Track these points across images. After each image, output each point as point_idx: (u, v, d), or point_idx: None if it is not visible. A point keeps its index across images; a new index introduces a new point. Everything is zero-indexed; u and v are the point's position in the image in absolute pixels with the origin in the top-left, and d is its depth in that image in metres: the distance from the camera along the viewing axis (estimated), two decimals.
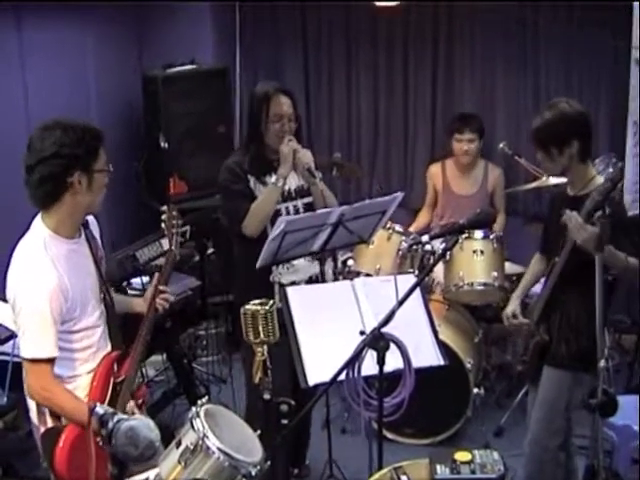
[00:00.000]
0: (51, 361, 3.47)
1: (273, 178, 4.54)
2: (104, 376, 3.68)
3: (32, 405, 3.66)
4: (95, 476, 3.04)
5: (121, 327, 3.89)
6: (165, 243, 5.35)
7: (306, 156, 4.56)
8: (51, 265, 3.44)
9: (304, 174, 4.61)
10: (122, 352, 3.78)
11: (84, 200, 3.51)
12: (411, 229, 6.33)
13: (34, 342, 3.44)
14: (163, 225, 4.10)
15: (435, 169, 6.86)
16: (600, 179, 4.11)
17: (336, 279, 5.73)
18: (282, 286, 4.43)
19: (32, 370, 3.49)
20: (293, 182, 4.68)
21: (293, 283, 4.51)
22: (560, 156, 4.06)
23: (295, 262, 4.55)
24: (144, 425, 2.88)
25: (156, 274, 4.06)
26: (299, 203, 4.66)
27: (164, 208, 4.10)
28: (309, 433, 5.13)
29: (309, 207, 4.65)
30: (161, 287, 3.96)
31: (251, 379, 3.55)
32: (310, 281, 4.64)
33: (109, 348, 3.77)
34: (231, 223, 4.64)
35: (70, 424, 3.52)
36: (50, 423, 3.59)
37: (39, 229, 3.53)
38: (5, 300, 4.46)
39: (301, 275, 4.62)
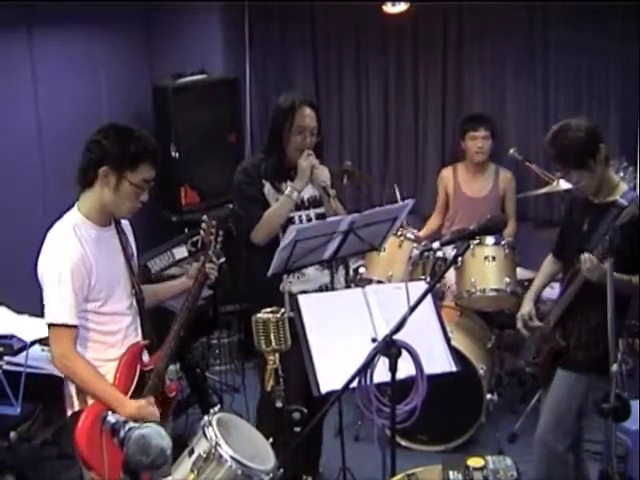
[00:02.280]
0: (71, 329, 3.60)
1: (289, 187, 4.55)
2: (129, 363, 3.78)
3: (65, 390, 3.77)
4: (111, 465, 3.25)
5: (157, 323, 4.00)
6: (177, 253, 5.41)
7: (323, 174, 4.55)
8: (77, 242, 3.62)
9: (319, 191, 4.62)
10: (152, 343, 3.90)
11: (110, 197, 3.67)
12: (421, 233, 6.34)
13: (55, 308, 3.59)
14: (202, 232, 4.22)
15: (446, 173, 6.87)
16: (624, 186, 4.13)
17: (348, 287, 5.75)
18: (292, 295, 4.43)
19: (53, 336, 3.64)
20: (306, 192, 4.68)
21: (303, 292, 4.49)
22: (596, 165, 4.05)
23: (306, 271, 4.55)
24: (155, 433, 2.89)
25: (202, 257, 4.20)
26: (312, 213, 4.67)
27: (204, 218, 4.24)
28: (321, 441, 5.11)
29: (321, 217, 4.65)
30: (209, 251, 4.16)
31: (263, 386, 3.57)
32: (320, 290, 4.62)
33: (139, 338, 3.88)
34: (241, 228, 4.63)
35: (92, 405, 3.62)
36: (77, 406, 3.70)
37: (72, 214, 3.72)
38: (18, 312, 4.51)
39: (312, 284, 4.62)
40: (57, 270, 3.57)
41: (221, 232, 4.24)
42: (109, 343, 3.76)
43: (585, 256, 3.91)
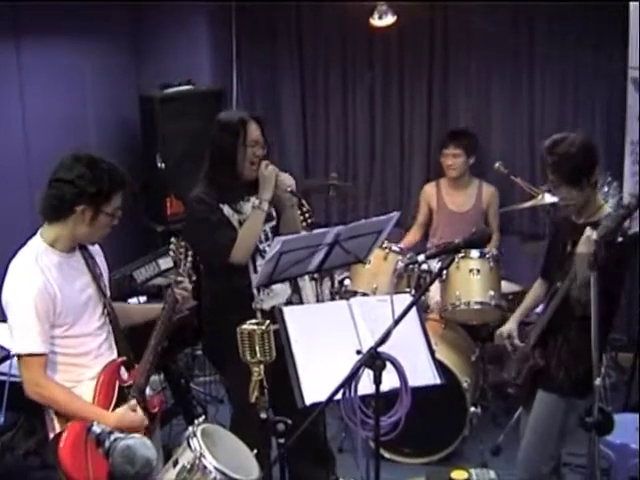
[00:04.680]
0: (40, 357, 3.63)
1: (247, 204, 4.54)
2: (107, 381, 3.79)
3: (45, 413, 3.77)
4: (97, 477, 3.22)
5: (130, 337, 4.03)
6: (163, 263, 5.41)
7: (288, 179, 4.59)
8: (39, 271, 3.63)
9: (285, 196, 4.61)
10: (130, 360, 3.92)
11: (83, 230, 3.72)
12: (401, 245, 6.36)
13: (21, 338, 3.63)
14: (171, 252, 4.25)
15: (429, 188, 6.91)
16: (607, 208, 4.12)
17: (333, 299, 5.75)
18: (264, 312, 4.44)
19: (23, 366, 3.67)
20: None
21: (273, 308, 4.49)
22: (587, 186, 4.05)
23: (273, 286, 4.53)
24: (141, 443, 2.89)
25: (172, 276, 4.24)
26: (267, 228, 4.64)
27: (173, 240, 4.27)
28: (331, 453, 5.07)
29: (275, 230, 4.66)
30: (178, 278, 4.13)
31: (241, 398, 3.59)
32: (288, 304, 4.59)
33: (114, 356, 3.89)
34: (216, 255, 4.52)
35: (71, 425, 3.61)
36: (58, 428, 3.70)
37: (35, 242, 3.74)
38: (2, 321, 4.50)
39: (280, 299, 4.61)
40: (20, 300, 3.60)
41: (190, 252, 4.26)
42: (81, 364, 3.78)
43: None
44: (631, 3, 5.55)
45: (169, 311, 4.05)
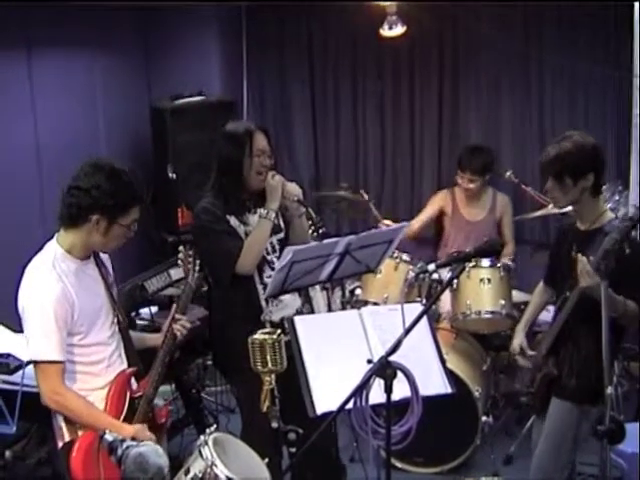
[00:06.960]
0: (58, 365, 3.62)
1: (254, 216, 4.53)
2: (119, 390, 3.80)
3: (54, 422, 3.78)
4: None
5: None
6: (174, 273, 5.41)
7: (294, 188, 4.59)
8: (57, 277, 3.63)
9: (293, 206, 4.62)
10: (140, 370, 3.93)
11: (97, 239, 3.72)
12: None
13: (38, 345, 3.61)
14: (180, 262, 4.29)
15: (444, 195, 6.84)
16: (610, 214, 4.12)
17: (344, 308, 5.74)
18: (274, 324, 4.44)
19: (41, 373, 3.65)
20: None
21: (282, 319, 4.49)
22: (573, 188, 4.04)
23: (283, 297, 4.53)
24: (153, 451, 2.90)
25: (173, 305, 4.24)
26: (274, 240, 4.62)
27: (181, 248, 4.30)
28: (342, 463, 5.04)
29: (283, 243, 4.64)
30: (177, 315, 4.13)
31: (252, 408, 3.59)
32: (297, 314, 4.56)
33: (125, 366, 3.90)
34: (222, 264, 4.49)
35: (83, 434, 3.63)
36: (67, 437, 3.71)
37: (52, 247, 3.74)
38: (14, 330, 4.52)
39: (289, 310, 4.58)
40: (39, 306, 3.59)
41: (198, 261, 4.28)
42: (93, 373, 3.78)
43: (582, 258, 3.91)
44: (636, 6, 5.54)
45: (169, 345, 4.07)
